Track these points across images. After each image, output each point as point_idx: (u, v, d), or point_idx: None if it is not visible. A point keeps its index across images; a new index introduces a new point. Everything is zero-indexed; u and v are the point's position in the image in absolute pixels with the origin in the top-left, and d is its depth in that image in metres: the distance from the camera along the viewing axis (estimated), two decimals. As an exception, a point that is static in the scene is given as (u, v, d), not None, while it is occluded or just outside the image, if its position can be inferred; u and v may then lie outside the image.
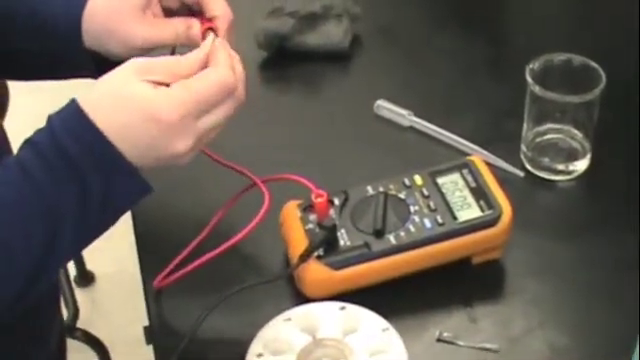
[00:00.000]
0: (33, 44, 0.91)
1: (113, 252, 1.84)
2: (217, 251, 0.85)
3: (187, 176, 1.00)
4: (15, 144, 0.96)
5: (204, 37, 0.84)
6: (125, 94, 0.75)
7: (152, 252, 0.93)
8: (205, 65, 0.78)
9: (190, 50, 0.80)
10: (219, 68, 0.77)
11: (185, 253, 0.89)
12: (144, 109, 0.74)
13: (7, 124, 1.02)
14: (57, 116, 0.76)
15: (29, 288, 0.75)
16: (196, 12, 0.88)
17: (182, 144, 0.75)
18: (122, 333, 1.79)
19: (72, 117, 0.75)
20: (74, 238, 0.75)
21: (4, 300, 0.74)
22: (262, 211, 0.85)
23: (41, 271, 0.75)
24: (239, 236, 0.85)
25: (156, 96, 0.74)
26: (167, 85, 0.75)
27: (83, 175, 0.74)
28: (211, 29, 0.85)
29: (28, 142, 0.75)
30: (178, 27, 0.87)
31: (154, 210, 0.98)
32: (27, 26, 0.90)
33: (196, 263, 0.86)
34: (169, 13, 0.90)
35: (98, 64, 0.89)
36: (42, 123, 0.77)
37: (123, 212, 0.79)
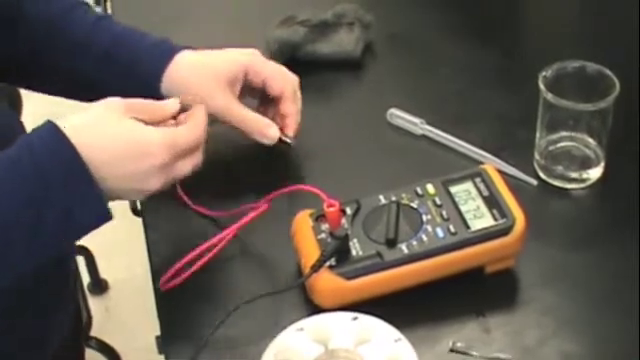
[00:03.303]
0: (112, 80, 0.98)
1: (127, 260, 1.85)
2: (217, 243, 0.89)
3: (199, 182, 1.00)
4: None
5: None
6: (118, 129, 0.82)
7: (164, 261, 0.93)
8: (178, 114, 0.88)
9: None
10: (199, 124, 0.87)
11: (190, 256, 0.89)
12: (139, 143, 0.82)
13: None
14: (36, 135, 0.80)
15: None
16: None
17: (157, 182, 0.83)
18: (135, 341, 1.79)
19: (51, 139, 0.79)
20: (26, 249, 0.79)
21: None
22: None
23: None
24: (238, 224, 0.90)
25: (151, 133, 0.83)
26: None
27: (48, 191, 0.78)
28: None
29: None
30: (259, 122, 0.97)
31: (166, 218, 0.98)
32: (104, 61, 0.98)
33: (200, 263, 0.88)
34: (246, 90, 1.00)
35: None
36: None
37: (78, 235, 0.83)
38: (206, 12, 1.28)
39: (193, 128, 0.86)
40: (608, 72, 0.96)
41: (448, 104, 1.10)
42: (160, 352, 0.93)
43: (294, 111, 0.99)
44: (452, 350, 0.83)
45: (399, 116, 1.07)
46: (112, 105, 0.83)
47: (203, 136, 0.87)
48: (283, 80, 0.99)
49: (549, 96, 0.95)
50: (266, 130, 0.97)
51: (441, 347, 0.83)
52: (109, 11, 1.28)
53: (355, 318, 0.81)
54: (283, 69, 1.02)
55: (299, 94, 1.01)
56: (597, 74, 0.97)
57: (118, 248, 1.80)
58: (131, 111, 0.83)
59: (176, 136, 0.84)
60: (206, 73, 0.97)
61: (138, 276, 1.66)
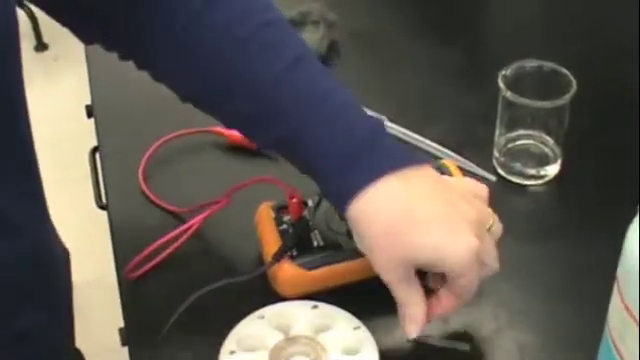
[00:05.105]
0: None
1: (91, 260, 1.84)
2: (182, 234, 0.90)
3: (169, 180, 1.01)
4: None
5: None
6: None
7: (128, 253, 0.94)
8: None
9: None
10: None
11: (155, 246, 0.90)
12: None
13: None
14: None
15: None
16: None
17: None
18: (100, 342, 1.79)
19: None
20: None
21: None
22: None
23: None
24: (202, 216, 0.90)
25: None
26: None
27: None
28: None
29: None
30: (410, 313, 0.80)
31: (131, 213, 0.99)
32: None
33: (164, 254, 0.89)
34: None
35: None
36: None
37: None
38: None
39: None
40: (565, 71, 0.98)
41: (410, 101, 1.12)
42: (123, 343, 0.94)
43: (449, 305, 0.81)
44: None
45: (362, 113, 1.08)
46: None
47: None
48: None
49: (508, 94, 0.97)
50: (407, 327, 0.81)
51: (399, 336, 0.84)
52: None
53: (315, 306, 0.82)
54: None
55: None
56: (554, 73, 0.99)
57: (83, 248, 1.81)
58: None
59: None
60: (397, 251, 0.77)
61: (103, 276, 1.66)
